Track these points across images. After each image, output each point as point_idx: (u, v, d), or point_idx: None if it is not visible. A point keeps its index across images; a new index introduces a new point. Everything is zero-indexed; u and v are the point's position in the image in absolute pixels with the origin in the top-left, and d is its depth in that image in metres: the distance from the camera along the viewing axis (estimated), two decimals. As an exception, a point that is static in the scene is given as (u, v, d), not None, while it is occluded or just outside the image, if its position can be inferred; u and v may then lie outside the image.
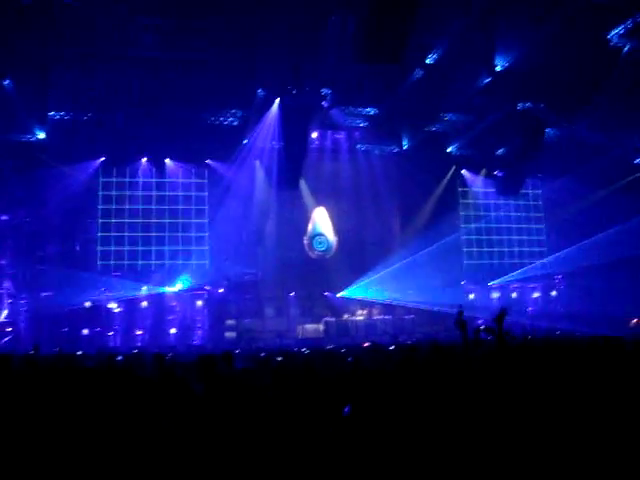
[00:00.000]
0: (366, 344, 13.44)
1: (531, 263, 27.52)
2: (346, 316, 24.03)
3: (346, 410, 4.30)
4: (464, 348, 6.47)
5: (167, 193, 24.20)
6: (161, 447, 4.19)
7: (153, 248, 23.77)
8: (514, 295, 26.88)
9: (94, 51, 17.92)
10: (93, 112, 21.16)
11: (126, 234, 23.46)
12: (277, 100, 21.07)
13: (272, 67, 18.90)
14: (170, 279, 23.24)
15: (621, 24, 17.57)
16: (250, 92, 20.79)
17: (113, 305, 22.40)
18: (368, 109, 23.05)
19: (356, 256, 24.75)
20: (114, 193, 23.54)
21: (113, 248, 23.26)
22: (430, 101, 21.69)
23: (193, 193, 24.52)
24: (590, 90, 20.11)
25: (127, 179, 23.75)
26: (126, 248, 23.43)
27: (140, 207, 23.81)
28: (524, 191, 27.25)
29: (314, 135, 23.95)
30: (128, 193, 23.70)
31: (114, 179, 23.57)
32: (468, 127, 24.05)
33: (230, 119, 22.90)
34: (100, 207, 23.35)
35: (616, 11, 17.06)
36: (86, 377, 6.48)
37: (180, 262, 23.91)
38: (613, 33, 17.90)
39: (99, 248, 23.12)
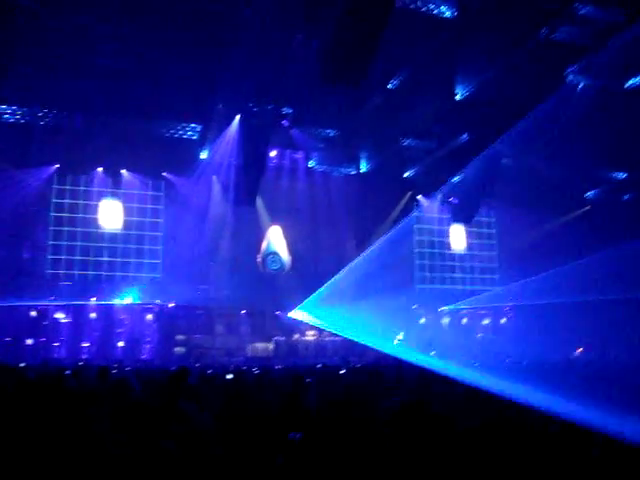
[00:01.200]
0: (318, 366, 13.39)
1: (483, 291, 27.85)
2: (296, 336, 23.96)
3: (296, 437, 4.25)
4: None
5: (123, 205, 23.89)
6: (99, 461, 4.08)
7: (105, 259, 23.44)
8: (464, 321, 27.15)
9: (54, 56, 17.64)
10: (50, 118, 20.84)
11: (78, 243, 23.08)
12: (237, 117, 21.05)
13: (234, 83, 18.84)
14: (121, 291, 22.89)
15: (577, 62, 18.05)
16: (211, 107, 20.70)
17: (60, 315, 21.95)
18: (328, 130, 23.20)
19: (309, 276, 24.68)
20: (67, 201, 23.17)
21: (64, 257, 22.84)
22: (389, 126, 21.88)
23: (149, 206, 24.24)
24: (546, 123, 20.54)
25: (82, 187, 23.38)
26: (77, 258, 23.03)
27: (93, 217, 23.45)
28: (477, 218, 27.64)
29: (273, 153, 23.95)
30: (82, 202, 23.34)
31: (68, 187, 23.20)
32: (426, 153, 24.34)
33: (189, 133, 22.80)
34: (52, 214, 22.94)
35: (573, 49, 17.51)
36: (27, 390, 6.31)
37: (132, 274, 23.56)
38: (569, 70, 18.38)
39: (49, 256, 22.66)
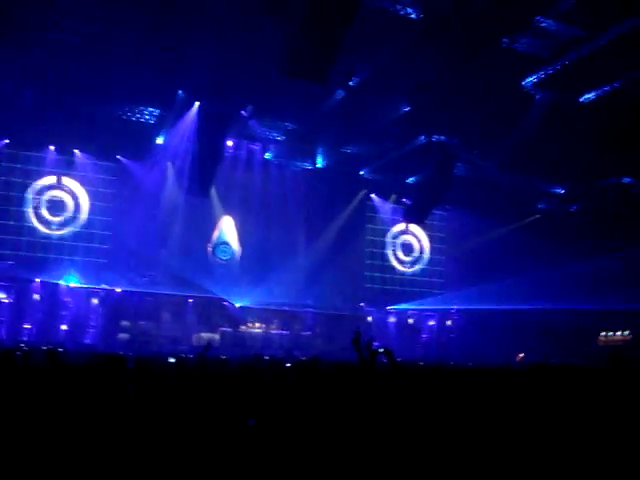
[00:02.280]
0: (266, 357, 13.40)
1: (430, 292, 28.23)
2: (243, 327, 23.93)
3: (250, 422, 4.29)
4: (361, 368, 6.53)
5: (74, 187, 23.49)
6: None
7: (53, 241, 23.04)
8: (410, 321, 27.47)
9: (10, 29, 17.18)
10: (2, 86, 20.28)
11: (25, 224, 22.62)
12: (197, 104, 20.86)
13: (195, 70, 18.67)
14: (66, 273, 22.48)
15: (535, 73, 18.39)
16: (170, 92, 20.48)
17: (1, 295, 21.49)
18: (287, 123, 23.16)
19: (259, 268, 24.63)
20: (17, 180, 22.68)
21: (9, 237, 22.35)
22: (348, 123, 21.93)
23: (100, 189, 23.85)
24: (502, 132, 20.90)
25: (33, 167, 22.93)
26: (24, 239, 22.58)
27: (44, 198, 23.00)
28: (429, 222, 27.97)
29: (229, 143, 23.81)
30: (32, 182, 22.87)
31: (19, 165, 22.72)
32: (383, 153, 24.51)
33: (147, 117, 22.52)
34: (0, 193, 22.43)
35: (532, 61, 17.82)
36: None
37: (80, 258, 23.19)
38: (528, 80, 18.71)
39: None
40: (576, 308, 23.13)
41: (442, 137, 22.70)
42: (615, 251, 23.44)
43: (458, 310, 27.31)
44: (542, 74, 18.34)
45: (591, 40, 16.23)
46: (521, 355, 21.63)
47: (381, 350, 7.04)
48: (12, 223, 22.45)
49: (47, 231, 23.04)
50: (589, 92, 19.09)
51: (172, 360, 9.42)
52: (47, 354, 8.02)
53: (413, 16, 16.11)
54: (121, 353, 8.21)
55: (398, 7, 15.87)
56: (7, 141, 22.09)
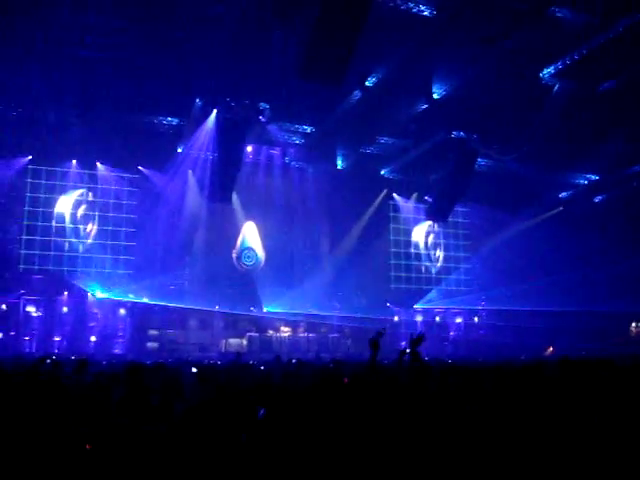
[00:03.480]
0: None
1: (456, 290, 28.09)
2: (270, 332, 23.97)
3: (260, 413, 4.27)
4: (369, 368, 6.47)
5: (98, 200, 23.75)
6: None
7: (80, 254, 23.28)
8: (437, 319, 27.36)
9: (32, 46, 17.38)
10: (23, 108, 20.57)
11: (52, 238, 22.88)
12: (214, 111, 20.95)
13: (211, 78, 18.77)
14: (94, 286, 22.70)
15: (553, 64, 18.22)
16: (188, 101, 20.62)
17: (32, 309, 21.74)
18: (305, 127, 23.18)
19: (284, 272, 24.69)
20: (42, 195, 22.93)
21: (36, 252, 22.61)
22: (367, 123, 21.90)
23: (125, 201, 24.04)
24: (521, 125, 20.75)
25: (57, 182, 23.16)
26: (52, 253, 22.84)
27: (69, 212, 23.26)
28: (452, 219, 27.82)
29: (249, 149, 23.87)
30: (57, 197, 23.14)
31: (43, 181, 22.97)
32: (402, 151, 24.44)
33: (166, 127, 22.65)
34: (26, 209, 22.71)
35: (549, 52, 17.68)
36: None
37: (108, 270, 23.38)
38: (545, 72, 18.55)
39: (23, 251, 22.41)
40: (605, 310, 22.95)
41: (461, 133, 22.58)
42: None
43: (485, 308, 27.15)
44: (560, 64, 18.18)
45: (607, 28, 16.07)
46: (550, 349, 21.45)
47: (408, 350, 6.99)
48: (39, 238, 22.67)
49: (73, 244, 23.24)
50: (608, 80, 18.90)
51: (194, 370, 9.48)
52: (77, 364, 8.11)
53: (426, 13, 16.07)
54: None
55: (411, 5, 15.83)
56: (30, 157, 22.32)
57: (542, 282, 23.76)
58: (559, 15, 16.07)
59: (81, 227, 23.42)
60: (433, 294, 27.54)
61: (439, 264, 28.82)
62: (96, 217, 23.64)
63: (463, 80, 18.73)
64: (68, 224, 23.23)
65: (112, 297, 22.81)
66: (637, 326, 25.04)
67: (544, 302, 23.56)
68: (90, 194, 23.64)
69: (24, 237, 22.53)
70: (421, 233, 28.68)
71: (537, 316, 23.83)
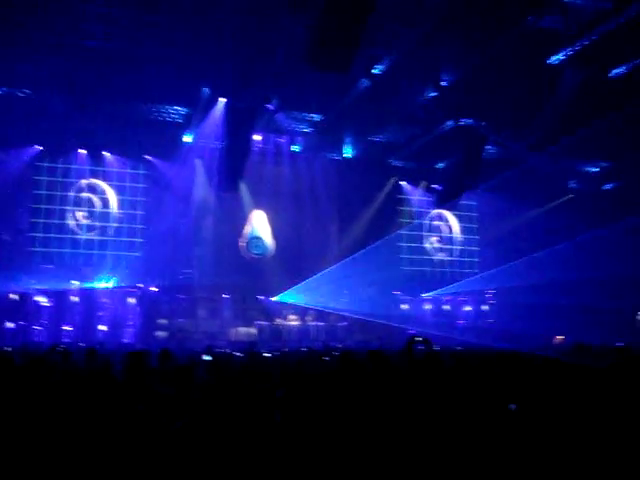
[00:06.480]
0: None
1: (465, 276, 28.03)
2: (279, 320, 24.00)
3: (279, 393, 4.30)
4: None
5: (107, 189, 23.85)
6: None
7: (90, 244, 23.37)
8: (446, 307, 27.31)
9: (37, 36, 17.39)
10: (31, 97, 20.58)
11: (62, 228, 23.05)
12: (222, 100, 20.90)
13: (219, 66, 18.70)
14: (103, 275, 22.80)
15: (562, 50, 18.05)
16: (195, 90, 20.54)
17: (41, 299, 21.83)
18: (313, 115, 23.12)
19: (292, 261, 24.69)
20: (51, 185, 23.05)
21: (47, 242, 22.79)
22: (374, 111, 21.83)
23: (131, 190, 24.13)
24: (530, 112, 20.62)
25: (65, 171, 23.28)
26: (62, 243, 22.97)
27: (78, 202, 23.35)
28: (460, 207, 27.77)
29: (257, 138, 23.81)
30: (66, 186, 23.28)
31: (52, 171, 23.15)
32: (411, 139, 24.37)
33: (174, 116, 22.66)
34: (36, 199, 22.93)
35: (558, 38, 17.52)
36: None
37: (117, 260, 23.57)
38: (554, 58, 18.38)
39: (33, 241, 22.65)
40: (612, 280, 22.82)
41: (470, 120, 22.45)
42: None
43: (494, 293, 27.08)
44: (569, 50, 18.00)
45: (618, 13, 15.89)
46: (560, 337, 21.31)
47: (419, 339, 7.03)
48: (48, 228, 22.79)
49: (83, 235, 23.37)
50: (619, 66, 18.73)
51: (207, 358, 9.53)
52: (87, 352, 8.14)
53: (434, -2, 15.95)
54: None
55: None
56: (40, 148, 22.41)
57: (548, 254, 23.72)
58: (568, 0, 15.94)
59: (90, 218, 23.50)
60: (442, 282, 27.48)
61: (449, 253, 28.76)
62: (105, 207, 23.71)
63: (471, 67, 18.60)
64: (77, 214, 23.31)
65: (121, 286, 22.90)
66: None
67: (551, 273, 23.53)
68: (99, 183, 23.69)
69: (34, 226, 22.63)
70: (429, 221, 28.62)
71: (546, 295, 23.61)
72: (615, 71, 18.82)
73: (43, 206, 22.97)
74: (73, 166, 23.44)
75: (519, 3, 15.70)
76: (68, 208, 23.30)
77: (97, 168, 23.72)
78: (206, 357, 9.46)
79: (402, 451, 3.93)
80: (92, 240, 23.57)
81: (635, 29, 16.07)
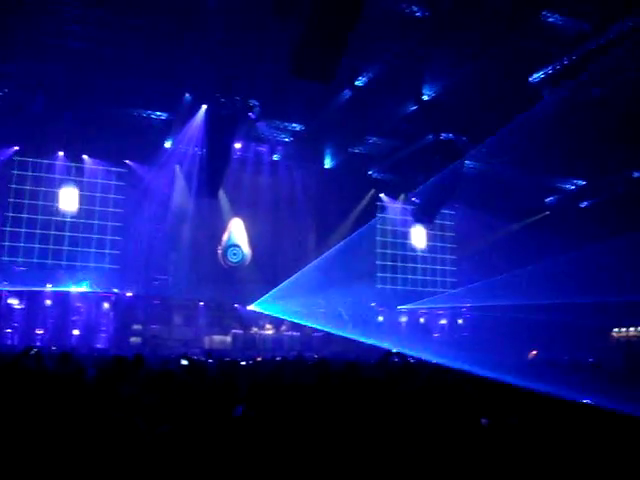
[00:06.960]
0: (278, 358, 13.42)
1: (442, 292, 28.11)
2: (255, 329, 23.90)
3: (239, 410, 4.25)
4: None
5: (84, 193, 23.66)
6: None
7: (64, 247, 23.16)
8: (422, 320, 27.38)
9: (17, 36, 17.23)
10: (10, 97, 20.36)
11: (37, 230, 22.75)
12: (204, 107, 20.85)
13: (201, 73, 18.65)
14: (77, 279, 22.56)
15: (543, 69, 18.25)
16: (177, 96, 20.49)
17: (14, 301, 21.56)
18: (294, 125, 23.14)
19: (269, 270, 24.65)
20: (27, 187, 22.81)
21: (20, 244, 22.51)
22: (356, 123, 21.91)
23: (109, 194, 23.97)
24: (510, 128, 20.78)
25: (43, 174, 23.06)
26: (36, 245, 22.71)
27: (55, 204, 23.14)
28: (439, 221, 27.89)
29: (237, 146, 23.77)
30: (43, 189, 23.03)
31: (29, 173, 22.89)
32: (391, 152, 24.47)
33: (154, 121, 22.54)
34: (11, 200, 22.62)
35: (540, 57, 17.72)
36: None
37: (92, 264, 23.29)
38: (536, 76, 18.58)
39: (6, 243, 22.35)
40: (588, 302, 22.95)
41: (450, 135, 22.58)
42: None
43: (469, 308, 27.18)
44: (550, 69, 18.22)
45: (598, 34, 16.11)
46: (533, 352, 21.48)
47: (395, 351, 7.06)
48: (23, 230, 22.56)
49: (58, 237, 23.12)
50: (598, 86, 18.95)
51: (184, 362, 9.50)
52: (60, 357, 8.05)
53: (418, 14, 16.06)
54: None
55: (403, 6, 15.82)
56: (17, 148, 22.19)
57: (524, 274, 23.83)
58: (550, 20, 16.12)
59: (67, 220, 23.28)
60: (418, 295, 27.54)
61: (424, 266, 28.85)
62: (81, 210, 23.49)
63: (453, 82, 18.75)
64: (53, 216, 23.09)
65: (96, 291, 22.68)
66: (619, 331, 25.11)
67: (525, 295, 23.62)
68: (76, 187, 23.48)
69: (8, 229, 22.41)
70: (407, 234, 28.70)
71: (521, 313, 23.74)
72: (594, 91, 19.04)
73: (20, 208, 22.76)
74: (52, 169, 23.21)
75: (502, 21, 15.84)
76: (45, 211, 23.03)
77: (76, 171, 23.48)
78: (184, 362, 9.43)
79: (376, 461, 3.92)
80: (69, 242, 23.29)
81: (615, 50, 16.29)
